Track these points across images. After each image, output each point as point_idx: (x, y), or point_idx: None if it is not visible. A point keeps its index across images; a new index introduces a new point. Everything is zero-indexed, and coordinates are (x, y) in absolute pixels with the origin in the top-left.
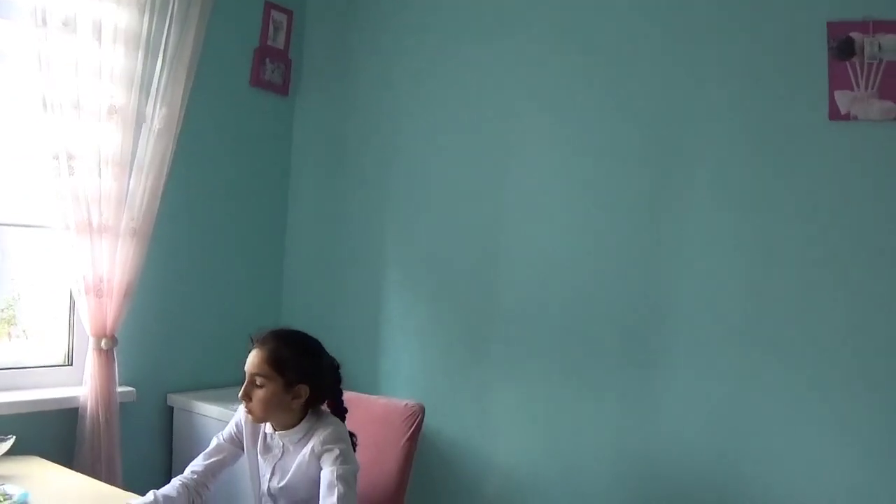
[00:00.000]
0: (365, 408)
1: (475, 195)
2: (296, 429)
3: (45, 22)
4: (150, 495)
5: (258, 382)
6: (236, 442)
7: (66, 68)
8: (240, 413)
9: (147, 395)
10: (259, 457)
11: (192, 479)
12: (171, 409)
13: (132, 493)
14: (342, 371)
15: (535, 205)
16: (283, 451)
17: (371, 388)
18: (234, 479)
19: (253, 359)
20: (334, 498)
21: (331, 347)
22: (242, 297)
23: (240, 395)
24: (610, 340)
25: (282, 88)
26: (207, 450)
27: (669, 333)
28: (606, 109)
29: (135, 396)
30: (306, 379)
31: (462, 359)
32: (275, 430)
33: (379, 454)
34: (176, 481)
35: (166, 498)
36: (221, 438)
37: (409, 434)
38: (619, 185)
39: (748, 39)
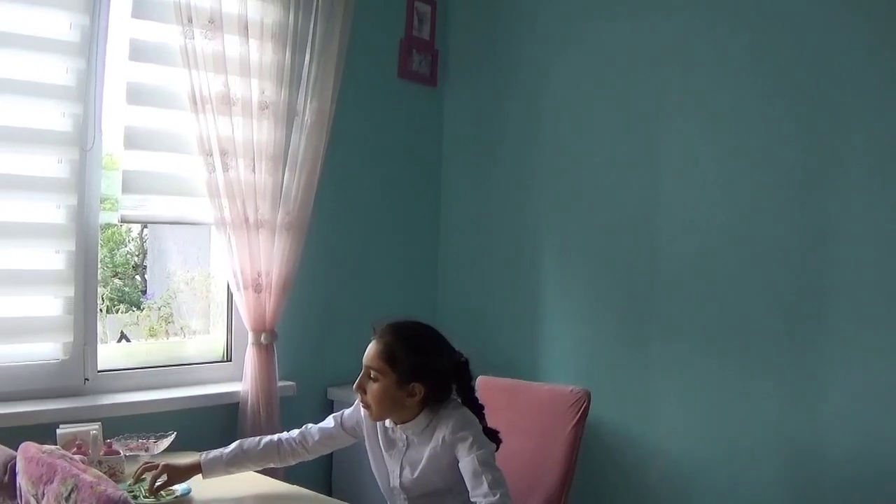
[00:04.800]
0: (530, 395)
1: (630, 177)
2: (416, 420)
3: (190, 20)
4: (236, 444)
5: (372, 375)
6: (351, 431)
7: (214, 66)
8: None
9: (308, 389)
10: (384, 453)
11: (291, 442)
12: (332, 402)
13: (293, 486)
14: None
15: (690, 184)
16: (408, 444)
17: (531, 375)
18: (363, 473)
19: (369, 350)
20: (485, 486)
21: (488, 336)
22: (398, 288)
23: (355, 386)
24: (771, 320)
25: (430, 79)
26: (323, 431)
27: (832, 311)
28: (761, 81)
29: (295, 391)
30: (421, 377)
31: (621, 344)
32: (395, 423)
33: (544, 441)
34: (273, 438)
35: (247, 450)
36: (340, 424)
37: (575, 420)
38: (776, 158)
39: None
